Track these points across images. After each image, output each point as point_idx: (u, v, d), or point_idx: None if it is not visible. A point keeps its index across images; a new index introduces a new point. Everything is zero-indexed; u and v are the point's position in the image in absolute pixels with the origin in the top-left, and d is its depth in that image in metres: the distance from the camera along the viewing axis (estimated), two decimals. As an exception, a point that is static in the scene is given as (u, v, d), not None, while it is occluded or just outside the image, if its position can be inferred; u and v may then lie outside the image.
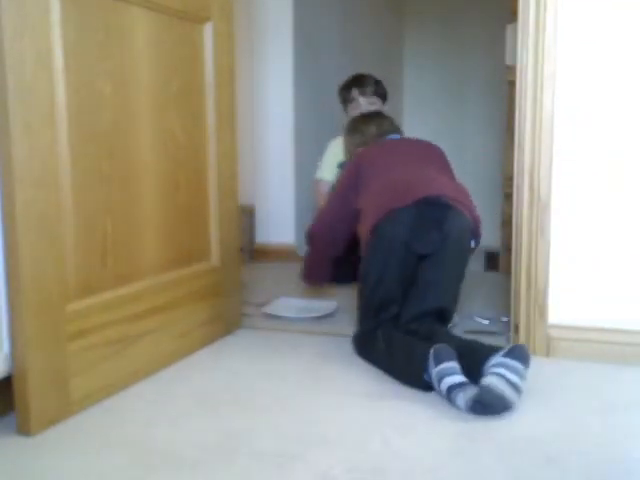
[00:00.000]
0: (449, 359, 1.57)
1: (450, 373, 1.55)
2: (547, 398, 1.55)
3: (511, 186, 1.93)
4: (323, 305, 2.30)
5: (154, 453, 1.29)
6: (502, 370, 1.46)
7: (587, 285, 1.82)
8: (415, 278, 1.88)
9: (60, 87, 1.40)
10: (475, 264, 3.13)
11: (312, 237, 2.27)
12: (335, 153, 2.84)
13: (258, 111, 3.38)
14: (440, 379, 1.54)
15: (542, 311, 1.84)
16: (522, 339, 1.86)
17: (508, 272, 1.97)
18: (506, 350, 1.51)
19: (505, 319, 2.05)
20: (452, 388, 1.52)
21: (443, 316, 1.85)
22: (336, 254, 2.25)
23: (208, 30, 1.88)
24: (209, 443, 1.33)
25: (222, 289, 2.01)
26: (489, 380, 1.44)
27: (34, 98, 1.33)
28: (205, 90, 1.89)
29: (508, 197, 2.66)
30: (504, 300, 2.10)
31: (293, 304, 2.34)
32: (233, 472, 1.22)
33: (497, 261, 2.98)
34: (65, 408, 1.43)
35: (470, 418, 1.44)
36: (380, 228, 1.90)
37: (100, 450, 1.31)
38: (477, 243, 2.07)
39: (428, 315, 1.82)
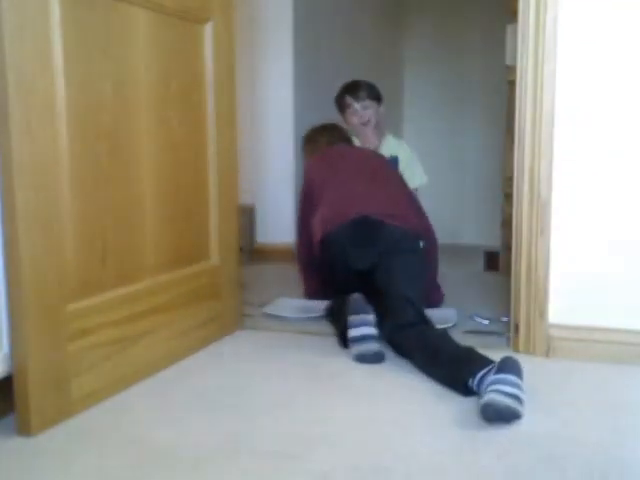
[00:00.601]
0: (362, 311, 1.80)
1: (357, 325, 1.78)
2: (547, 398, 1.55)
3: (511, 186, 1.92)
4: (323, 305, 2.30)
5: (154, 453, 1.29)
6: (498, 386, 1.43)
7: (587, 285, 1.82)
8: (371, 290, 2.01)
9: (60, 87, 1.40)
10: (475, 264, 3.14)
11: (302, 269, 2.45)
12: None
13: (258, 111, 3.38)
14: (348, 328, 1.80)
15: (542, 311, 1.84)
16: (522, 339, 1.86)
17: (508, 272, 1.97)
18: (497, 366, 1.48)
19: (505, 319, 2.05)
20: (354, 339, 1.77)
21: (419, 316, 1.88)
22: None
23: (208, 30, 1.88)
24: (209, 443, 1.33)
25: (222, 289, 2.01)
26: (488, 397, 1.41)
27: (34, 98, 1.33)
28: (205, 90, 1.89)
29: (508, 197, 2.66)
30: (504, 300, 2.10)
31: (293, 304, 2.34)
32: (233, 472, 1.22)
33: (497, 261, 2.98)
34: (65, 408, 1.43)
35: (470, 418, 1.44)
36: (324, 244, 2.12)
37: (100, 450, 1.31)
38: (431, 241, 2.25)
39: (403, 325, 1.85)
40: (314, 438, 1.35)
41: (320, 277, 2.37)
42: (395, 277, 2.02)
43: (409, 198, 2.36)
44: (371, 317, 1.82)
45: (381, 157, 2.58)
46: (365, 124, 2.86)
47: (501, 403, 1.39)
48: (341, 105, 2.90)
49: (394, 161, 2.87)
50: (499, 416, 1.39)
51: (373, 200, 2.18)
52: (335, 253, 2.11)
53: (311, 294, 2.43)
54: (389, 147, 2.91)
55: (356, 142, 2.84)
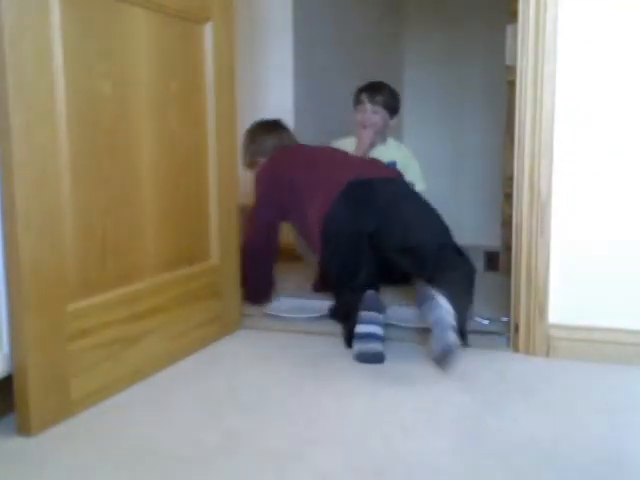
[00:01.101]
0: (375, 309, 1.81)
1: (366, 321, 1.79)
2: (547, 398, 1.55)
3: (511, 186, 1.93)
4: (323, 305, 2.30)
5: (154, 453, 1.29)
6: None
7: (587, 285, 1.82)
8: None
9: (60, 87, 1.40)
10: (475, 264, 3.14)
11: (249, 260, 2.27)
12: (349, 150, 2.86)
13: (258, 111, 3.37)
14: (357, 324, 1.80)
15: (542, 311, 1.84)
16: (522, 339, 1.86)
17: (508, 272, 1.97)
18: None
19: (505, 319, 2.05)
20: (360, 335, 1.78)
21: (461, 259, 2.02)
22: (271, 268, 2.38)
23: (208, 30, 1.88)
24: (209, 443, 1.33)
25: (222, 289, 2.01)
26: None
27: (34, 98, 1.33)
28: (205, 90, 1.89)
29: (508, 197, 2.66)
30: (504, 300, 2.10)
31: (293, 304, 2.34)
32: (233, 472, 1.22)
33: (497, 261, 2.98)
34: (65, 408, 1.43)
35: (470, 418, 1.44)
36: (325, 231, 2.08)
37: (100, 450, 1.31)
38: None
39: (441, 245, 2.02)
40: (314, 438, 1.35)
41: (324, 271, 2.35)
42: (413, 226, 2.06)
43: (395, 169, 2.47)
44: (381, 317, 1.83)
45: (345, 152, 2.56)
46: (366, 127, 2.83)
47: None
48: (356, 98, 2.88)
49: (391, 166, 2.85)
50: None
51: (359, 169, 2.25)
52: (337, 230, 2.07)
53: (256, 297, 2.31)
54: (389, 150, 2.89)
55: (351, 141, 2.83)
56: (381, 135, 2.88)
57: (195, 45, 1.85)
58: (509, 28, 2.62)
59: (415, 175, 2.90)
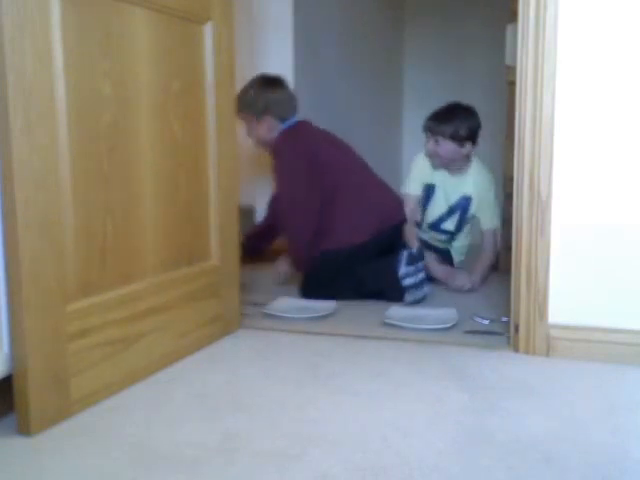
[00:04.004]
0: (418, 261, 2.40)
1: (413, 273, 2.38)
2: (547, 398, 1.55)
3: (511, 186, 1.93)
4: (323, 305, 2.30)
5: (154, 453, 1.29)
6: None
7: (587, 285, 1.82)
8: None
9: (60, 87, 1.40)
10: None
11: (301, 249, 2.51)
12: (421, 168, 2.84)
13: (258, 111, 3.37)
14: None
15: (542, 311, 1.84)
16: (522, 339, 1.86)
17: (508, 272, 1.97)
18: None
19: (505, 319, 2.05)
20: (411, 285, 2.37)
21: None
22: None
23: (208, 30, 1.88)
24: (209, 443, 1.33)
25: (222, 289, 2.01)
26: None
27: (34, 98, 1.33)
28: (205, 90, 1.89)
29: (508, 197, 2.66)
30: (504, 300, 2.10)
31: (293, 304, 2.34)
32: (233, 472, 1.22)
33: (497, 261, 2.98)
34: (65, 408, 1.43)
35: (470, 418, 1.44)
36: (352, 251, 2.46)
37: (100, 450, 1.31)
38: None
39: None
40: (314, 438, 1.35)
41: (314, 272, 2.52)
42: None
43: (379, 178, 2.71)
44: (422, 264, 2.42)
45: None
46: (432, 156, 2.79)
47: None
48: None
49: (466, 201, 2.80)
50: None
51: (386, 204, 2.59)
52: (353, 262, 2.44)
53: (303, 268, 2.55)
54: (464, 184, 2.81)
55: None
56: (457, 164, 2.78)
57: (195, 45, 1.85)
58: (509, 28, 2.62)
59: (492, 211, 2.81)
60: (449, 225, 2.87)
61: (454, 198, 2.83)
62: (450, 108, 2.78)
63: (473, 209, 2.82)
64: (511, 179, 1.93)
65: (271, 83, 2.63)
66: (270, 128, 2.59)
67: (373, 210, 2.50)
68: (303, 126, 2.60)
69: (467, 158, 2.79)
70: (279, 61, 3.30)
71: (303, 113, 3.33)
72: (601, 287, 1.81)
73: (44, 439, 1.35)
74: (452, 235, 2.91)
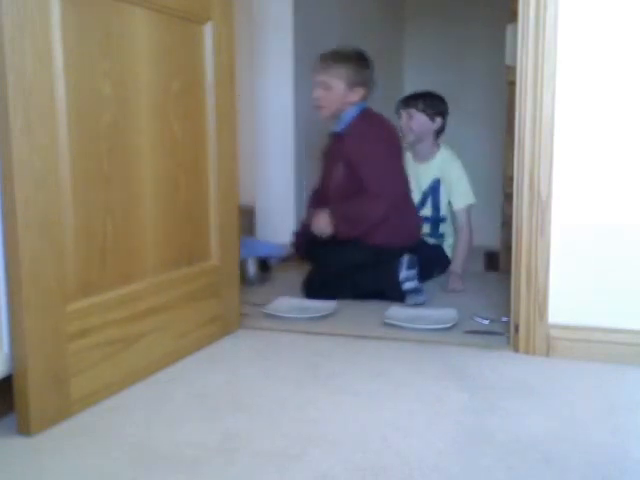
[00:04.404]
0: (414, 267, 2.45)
1: (412, 278, 2.43)
2: (547, 398, 1.55)
3: (511, 186, 1.92)
4: (323, 305, 2.30)
5: (154, 453, 1.29)
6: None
7: (587, 285, 1.82)
8: None
9: (60, 87, 1.40)
10: (475, 264, 3.14)
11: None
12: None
13: (258, 111, 3.37)
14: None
15: (542, 311, 1.84)
16: (522, 339, 1.86)
17: (508, 272, 1.97)
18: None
19: (505, 319, 2.05)
20: (411, 290, 2.41)
21: None
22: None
23: (208, 30, 1.88)
24: (209, 443, 1.33)
25: (222, 289, 2.01)
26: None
27: (34, 98, 1.33)
28: (205, 90, 1.89)
29: (508, 197, 2.66)
30: (504, 300, 2.10)
31: (293, 304, 2.34)
32: (233, 472, 1.22)
33: (497, 261, 2.98)
34: (65, 408, 1.43)
35: (470, 418, 1.44)
36: (373, 248, 2.50)
37: (100, 450, 1.31)
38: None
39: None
40: (314, 438, 1.35)
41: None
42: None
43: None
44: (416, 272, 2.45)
45: None
46: (405, 132, 2.91)
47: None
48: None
49: (435, 183, 2.91)
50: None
51: (417, 222, 2.75)
52: (375, 261, 2.48)
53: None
54: (431, 168, 2.93)
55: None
56: (426, 147, 2.93)
57: (195, 45, 1.85)
58: (509, 28, 2.62)
59: (465, 187, 2.89)
60: (426, 211, 2.94)
61: (425, 184, 2.93)
62: (421, 92, 3.00)
63: (444, 191, 2.90)
64: (511, 179, 1.93)
65: (371, 63, 2.68)
66: (352, 101, 2.58)
67: (408, 224, 2.64)
68: (376, 115, 2.66)
69: (436, 143, 2.93)
70: (279, 61, 3.30)
71: (303, 113, 3.34)
72: (601, 287, 1.81)
73: (44, 439, 1.35)
74: (435, 224, 2.95)
